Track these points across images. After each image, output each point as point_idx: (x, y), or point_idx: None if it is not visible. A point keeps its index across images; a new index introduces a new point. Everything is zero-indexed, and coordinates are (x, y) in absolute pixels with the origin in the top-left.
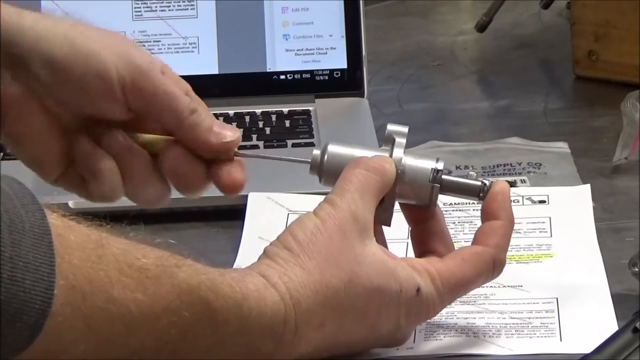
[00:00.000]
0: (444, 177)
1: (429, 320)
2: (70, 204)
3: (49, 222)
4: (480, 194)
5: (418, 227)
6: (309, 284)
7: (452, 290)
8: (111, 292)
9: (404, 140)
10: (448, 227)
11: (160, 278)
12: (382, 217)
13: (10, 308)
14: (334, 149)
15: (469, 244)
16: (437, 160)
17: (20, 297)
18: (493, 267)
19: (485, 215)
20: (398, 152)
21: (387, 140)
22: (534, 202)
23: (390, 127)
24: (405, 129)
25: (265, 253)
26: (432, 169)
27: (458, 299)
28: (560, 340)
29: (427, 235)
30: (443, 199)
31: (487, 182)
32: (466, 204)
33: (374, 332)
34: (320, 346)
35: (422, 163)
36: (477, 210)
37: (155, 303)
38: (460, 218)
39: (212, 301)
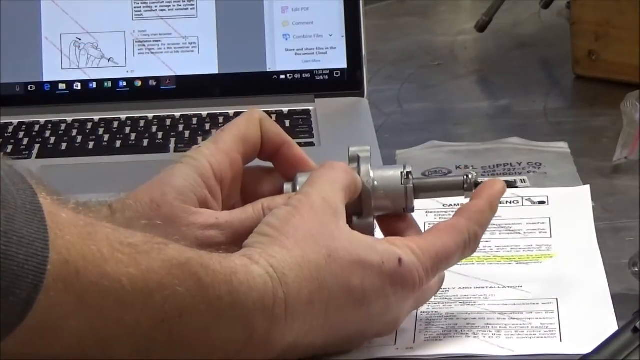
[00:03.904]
0: (417, 179)
1: (428, 320)
2: None
3: (40, 200)
4: (465, 186)
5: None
6: (291, 259)
7: (433, 261)
8: (104, 267)
9: (368, 155)
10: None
11: (150, 254)
12: (363, 228)
13: (3, 282)
14: (303, 178)
15: None
16: (405, 166)
17: (13, 272)
18: (468, 238)
19: (472, 198)
20: (365, 166)
21: (352, 160)
22: (533, 202)
23: (353, 148)
24: (367, 147)
25: (244, 245)
26: (401, 172)
27: (457, 300)
28: (561, 341)
29: (399, 231)
30: (442, 200)
31: (470, 176)
32: None
33: (363, 310)
34: (315, 326)
35: (390, 170)
36: None
37: (147, 277)
38: None
39: (202, 276)
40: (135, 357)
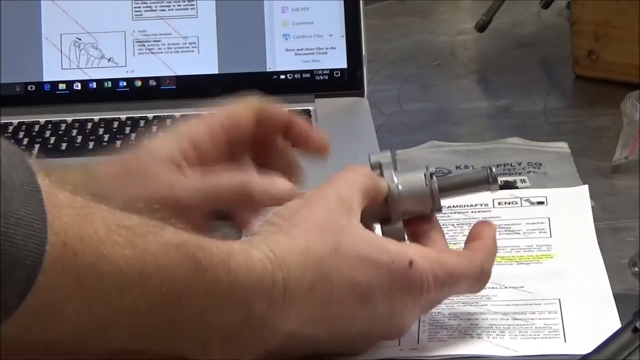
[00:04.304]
0: (441, 178)
1: (431, 321)
2: None
3: (38, 181)
4: (490, 179)
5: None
6: (294, 247)
7: (444, 275)
8: (101, 249)
9: (389, 160)
10: (447, 228)
11: (146, 236)
12: (393, 234)
13: (2, 264)
14: None
15: None
16: (427, 167)
17: (12, 253)
18: (480, 272)
19: (472, 238)
20: (388, 172)
21: (374, 167)
22: (532, 203)
23: (373, 155)
24: (387, 153)
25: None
26: (424, 173)
27: (460, 301)
28: (565, 341)
29: (423, 232)
30: (443, 202)
31: (492, 168)
32: (464, 206)
33: (368, 308)
34: (316, 317)
35: (413, 173)
36: (475, 212)
37: (144, 259)
38: (459, 220)
39: (200, 258)
40: (134, 342)
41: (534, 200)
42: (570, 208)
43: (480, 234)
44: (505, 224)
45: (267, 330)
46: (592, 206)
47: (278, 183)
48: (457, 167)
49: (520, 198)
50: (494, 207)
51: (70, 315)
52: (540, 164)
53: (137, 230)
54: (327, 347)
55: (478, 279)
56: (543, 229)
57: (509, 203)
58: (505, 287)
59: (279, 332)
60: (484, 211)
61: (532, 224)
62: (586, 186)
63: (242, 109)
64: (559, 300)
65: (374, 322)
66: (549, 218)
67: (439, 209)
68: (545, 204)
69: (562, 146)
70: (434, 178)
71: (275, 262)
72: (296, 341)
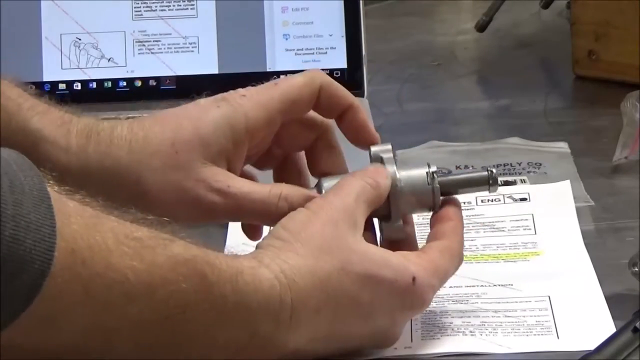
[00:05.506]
0: (442, 177)
1: (423, 318)
2: None
3: (47, 188)
4: (490, 181)
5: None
6: (303, 267)
7: (439, 281)
8: (110, 259)
9: (391, 155)
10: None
11: (155, 249)
12: (393, 232)
13: (10, 266)
14: (328, 183)
15: None
16: (429, 165)
17: (20, 256)
18: (459, 261)
19: (440, 219)
20: (390, 167)
21: (375, 161)
22: (515, 200)
23: (374, 148)
24: (388, 146)
25: (257, 246)
26: (427, 172)
27: (450, 299)
28: (558, 338)
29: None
30: None
31: (495, 170)
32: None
33: (369, 324)
34: (319, 336)
35: (416, 171)
36: (470, 210)
37: (152, 272)
38: None
39: (208, 274)
40: (137, 354)
41: (517, 197)
42: (553, 204)
43: (449, 214)
44: (490, 222)
45: (271, 348)
46: (592, 206)
47: None
48: (457, 167)
49: (503, 195)
50: (477, 204)
51: (75, 323)
52: (540, 164)
53: (146, 242)
54: (322, 355)
55: (457, 267)
56: (527, 226)
57: (492, 200)
58: (495, 285)
59: (283, 349)
60: (468, 209)
61: (516, 220)
62: (568, 181)
63: (305, 90)
64: (549, 297)
65: (372, 335)
66: (532, 214)
67: (438, 209)
68: (528, 200)
69: (562, 146)
70: (436, 177)
71: (284, 283)
72: (297, 356)
